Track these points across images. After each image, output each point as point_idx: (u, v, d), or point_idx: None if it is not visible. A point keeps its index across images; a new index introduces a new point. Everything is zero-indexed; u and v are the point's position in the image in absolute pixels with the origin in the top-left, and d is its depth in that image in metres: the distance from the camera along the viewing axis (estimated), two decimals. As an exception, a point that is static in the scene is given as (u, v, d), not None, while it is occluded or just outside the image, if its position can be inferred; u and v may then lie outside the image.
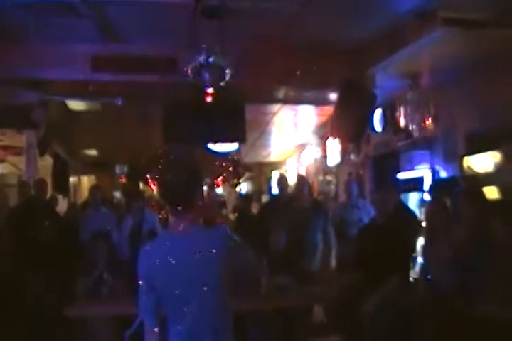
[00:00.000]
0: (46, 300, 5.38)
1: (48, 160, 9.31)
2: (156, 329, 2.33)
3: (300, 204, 5.48)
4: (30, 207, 6.29)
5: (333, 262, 5.59)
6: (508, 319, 3.20)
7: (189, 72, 4.40)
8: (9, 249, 5.62)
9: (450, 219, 4.36)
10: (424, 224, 4.96)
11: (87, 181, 13.36)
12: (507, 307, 3.27)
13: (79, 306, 4.26)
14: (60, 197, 9.40)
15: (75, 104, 7.19)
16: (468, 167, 5.62)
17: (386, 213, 4.67)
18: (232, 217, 9.01)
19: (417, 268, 5.00)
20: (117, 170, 13.35)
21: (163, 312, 2.32)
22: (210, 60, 4.25)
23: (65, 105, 7.13)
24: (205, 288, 2.20)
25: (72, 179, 11.55)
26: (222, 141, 8.00)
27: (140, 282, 2.34)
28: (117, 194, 12.52)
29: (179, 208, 2.22)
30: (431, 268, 4.42)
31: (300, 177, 6.25)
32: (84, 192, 12.59)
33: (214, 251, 2.20)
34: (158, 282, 2.25)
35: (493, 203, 4.45)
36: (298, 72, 5.74)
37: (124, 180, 13.36)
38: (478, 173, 5.43)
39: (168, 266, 2.21)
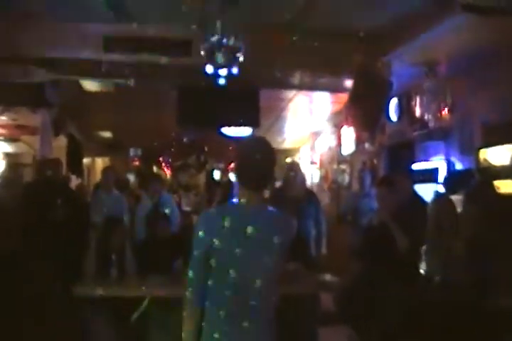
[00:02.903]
0: (56, 281, 5.43)
1: (62, 141, 9.35)
2: (198, 308, 2.31)
3: (292, 193, 5.51)
4: (45, 186, 6.30)
5: (324, 249, 5.86)
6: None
7: (202, 52, 4.34)
8: (21, 227, 5.65)
9: (456, 215, 4.32)
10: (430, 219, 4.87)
11: (101, 163, 13.41)
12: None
13: (87, 286, 4.28)
14: (73, 177, 9.46)
15: (89, 85, 7.17)
16: (485, 159, 5.52)
17: (389, 209, 4.48)
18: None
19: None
20: (131, 152, 13.38)
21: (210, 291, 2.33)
22: (224, 41, 4.19)
23: (79, 85, 7.12)
24: (263, 267, 2.32)
25: (86, 160, 11.59)
26: (236, 125, 7.99)
27: (195, 251, 2.35)
28: (131, 176, 12.56)
29: (260, 186, 2.40)
30: (441, 264, 4.38)
31: (292, 165, 6.26)
32: (98, 174, 12.67)
33: (280, 234, 2.37)
34: (219, 248, 2.28)
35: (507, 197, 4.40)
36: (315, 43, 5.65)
37: (137, 163, 13.42)
38: (495, 166, 5.34)
39: (235, 234, 2.30)
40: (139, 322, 4.17)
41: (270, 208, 2.46)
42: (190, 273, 2.35)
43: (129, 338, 4.21)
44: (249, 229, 2.30)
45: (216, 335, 2.25)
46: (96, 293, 4.15)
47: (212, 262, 2.30)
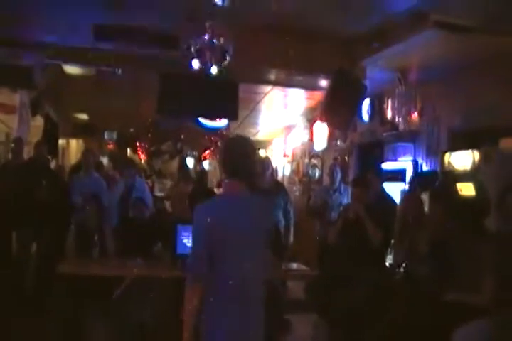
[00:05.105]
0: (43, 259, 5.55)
1: (38, 121, 9.33)
2: (201, 277, 2.48)
3: (262, 185, 5.75)
4: (30, 166, 6.39)
5: (291, 239, 6.10)
6: (475, 304, 3.44)
7: (192, 50, 4.48)
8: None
9: (423, 212, 4.58)
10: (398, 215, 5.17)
11: (75, 144, 13.36)
12: (474, 293, 3.51)
13: (70, 265, 4.44)
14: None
15: (70, 68, 7.20)
16: (449, 163, 5.81)
17: (362, 207, 4.80)
18: (217, 191, 9.16)
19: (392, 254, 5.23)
20: (106, 135, 13.32)
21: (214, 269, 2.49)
22: (214, 40, 4.33)
23: (60, 68, 7.14)
24: (257, 246, 2.59)
25: (60, 141, 11.56)
26: (214, 117, 8.10)
27: (197, 232, 2.54)
28: (104, 159, 12.57)
29: (243, 177, 2.61)
30: (405, 258, 4.67)
31: (263, 159, 6.47)
32: (72, 155, 12.66)
33: (265, 214, 2.74)
34: (218, 236, 2.48)
35: (465, 200, 4.66)
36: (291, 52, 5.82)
37: (112, 146, 13.40)
38: (457, 170, 5.62)
39: (229, 222, 2.51)
40: (120, 300, 4.35)
41: (255, 196, 2.75)
42: (192, 260, 2.51)
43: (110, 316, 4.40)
44: (245, 219, 2.56)
45: (217, 317, 2.49)
46: (79, 271, 4.32)
47: (213, 253, 2.47)
